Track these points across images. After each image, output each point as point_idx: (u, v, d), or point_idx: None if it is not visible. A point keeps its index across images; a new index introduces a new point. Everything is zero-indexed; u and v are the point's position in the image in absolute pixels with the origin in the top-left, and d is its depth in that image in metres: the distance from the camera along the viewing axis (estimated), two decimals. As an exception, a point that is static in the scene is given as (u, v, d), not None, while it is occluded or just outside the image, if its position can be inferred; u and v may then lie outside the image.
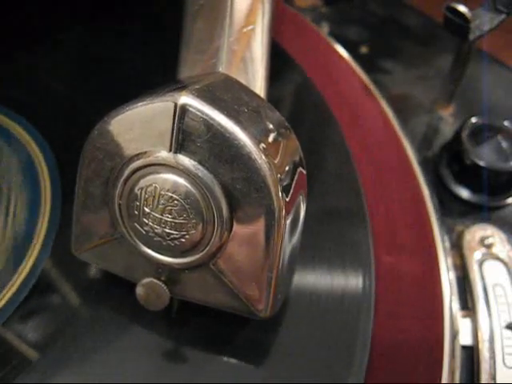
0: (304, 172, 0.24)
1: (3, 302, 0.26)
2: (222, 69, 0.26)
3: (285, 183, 0.22)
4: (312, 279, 0.28)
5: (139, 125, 0.22)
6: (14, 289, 0.27)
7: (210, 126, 0.21)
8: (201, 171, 0.21)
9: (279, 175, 0.22)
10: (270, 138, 0.23)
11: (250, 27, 0.28)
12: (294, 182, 0.23)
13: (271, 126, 0.23)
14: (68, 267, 0.27)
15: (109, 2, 0.41)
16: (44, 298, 0.27)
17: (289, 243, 0.23)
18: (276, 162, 0.22)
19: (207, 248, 0.23)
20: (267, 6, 0.30)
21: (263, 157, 0.21)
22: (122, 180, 0.23)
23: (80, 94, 0.35)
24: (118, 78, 0.36)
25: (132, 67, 0.37)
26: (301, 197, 0.24)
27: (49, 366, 0.25)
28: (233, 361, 0.25)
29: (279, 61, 0.38)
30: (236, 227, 0.22)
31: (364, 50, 0.44)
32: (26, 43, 0.38)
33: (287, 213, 0.22)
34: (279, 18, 0.41)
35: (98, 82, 0.36)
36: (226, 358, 0.25)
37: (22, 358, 0.25)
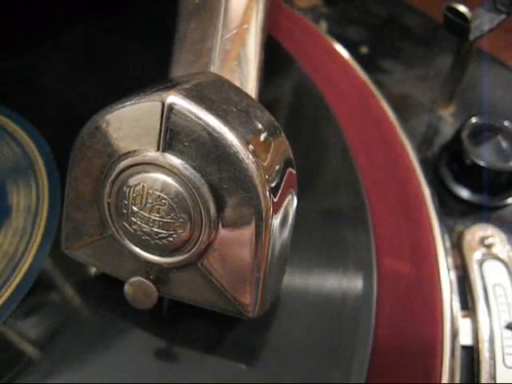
0: (294, 172, 0.24)
1: (2, 300, 0.26)
2: (213, 69, 0.26)
3: (273, 183, 0.22)
4: (313, 280, 0.28)
5: (128, 124, 0.22)
6: (13, 287, 0.27)
7: (198, 126, 0.21)
8: (188, 170, 0.21)
9: (267, 175, 0.22)
10: (259, 138, 0.23)
11: (243, 27, 0.28)
12: (283, 182, 0.23)
13: (260, 126, 0.23)
14: (67, 266, 0.27)
15: (109, 2, 0.41)
16: (43, 297, 0.27)
17: (277, 243, 0.23)
18: (264, 162, 0.22)
19: (195, 247, 0.23)
20: (261, 6, 0.30)
21: (250, 156, 0.21)
22: (110, 179, 0.23)
23: (80, 94, 0.35)
24: (117, 77, 0.36)
25: (132, 67, 0.37)
26: (290, 197, 0.24)
27: (48, 365, 0.25)
28: (231, 362, 0.25)
29: (279, 61, 0.38)
30: (224, 227, 0.22)
31: (364, 50, 0.44)
32: (25, 43, 0.38)
33: (275, 213, 0.22)
34: (279, 17, 0.42)
35: (98, 82, 0.36)
36: (228, 360, 0.25)
37: (21, 357, 0.25)
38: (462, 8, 0.34)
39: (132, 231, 0.23)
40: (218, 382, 0.25)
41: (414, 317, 0.29)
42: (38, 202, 0.30)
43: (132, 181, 0.22)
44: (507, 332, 0.29)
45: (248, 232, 0.22)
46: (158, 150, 0.22)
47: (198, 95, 0.22)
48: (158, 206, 0.22)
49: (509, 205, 0.35)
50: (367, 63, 0.42)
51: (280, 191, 0.23)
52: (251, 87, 0.27)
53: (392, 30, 0.46)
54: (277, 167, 0.23)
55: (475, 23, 0.34)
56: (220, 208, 0.22)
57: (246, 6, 0.29)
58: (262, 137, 0.23)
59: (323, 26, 0.46)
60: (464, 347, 0.29)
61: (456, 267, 0.32)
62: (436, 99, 0.41)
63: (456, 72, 0.38)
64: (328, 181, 0.33)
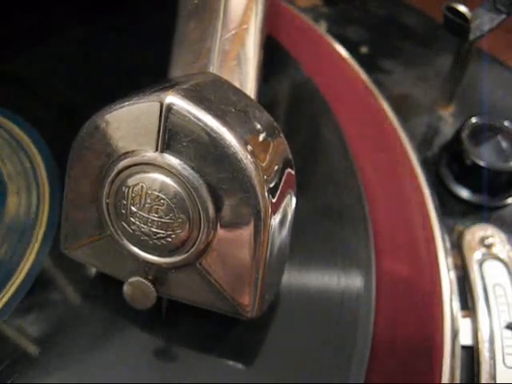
0: (292, 172, 0.24)
1: (4, 299, 0.26)
2: (213, 69, 0.26)
3: (272, 184, 0.22)
4: (312, 280, 0.28)
5: (126, 124, 0.22)
6: (14, 288, 0.27)
7: (196, 126, 0.21)
8: (187, 171, 0.22)
9: (266, 176, 0.22)
10: (258, 139, 0.23)
11: (242, 27, 0.28)
12: (282, 182, 0.23)
13: (259, 127, 0.23)
14: (67, 266, 0.27)
15: (109, 2, 0.41)
16: (43, 297, 0.27)
17: (276, 244, 0.23)
18: (263, 162, 0.22)
19: (194, 247, 0.23)
20: (260, 6, 0.30)
21: (249, 157, 0.21)
22: (109, 179, 0.23)
23: (80, 94, 0.35)
24: (117, 77, 0.36)
25: (132, 67, 0.37)
26: (289, 197, 0.24)
27: (48, 364, 0.25)
28: (231, 362, 0.25)
29: (279, 60, 0.38)
30: (222, 227, 0.22)
31: (364, 50, 0.44)
32: (25, 43, 0.38)
33: (274, 213, 0.22)
34: (279, 17, 0.42)
35: (98, 82, 0.36)
36: (227, 360, 0.25)
37: (22, 356, 0.25)
38: (462, 8, 0.34)
39: (131, 231, 0.23)
40: (218, 382, 0.25)
41: (413, 317, 0.29)
42: (39, 203, 0.30)
43: (131, 181, 0.22)
44: (507, 332, 0.29)
45: (247, 232, 0.22)
46: (157, 150, 0.22)
47: (196, 95, 0.22)
48: (156, 206, 0.22)
49: (509, 205, 0.35)
50: (367, 63, 0.42)
51: (279, 191, 0.23)
52: (250, 87, 0.27)
53: (392, 29, 0.46)
54: (275, 167, 0.23)
55: (475, 23, 0.34)
56: (218, 208, 0.22)
57: (246, 6, 0.29)
58: (261, 137, 0.23)
59: (323, 25, 0.46)
60: (464, 347, 0.29)
61: (456, 267, 0.32)
62: (436, 99, 0.41)
63: (456, 72, 0.38)
64: (327, 181, 0.33)
